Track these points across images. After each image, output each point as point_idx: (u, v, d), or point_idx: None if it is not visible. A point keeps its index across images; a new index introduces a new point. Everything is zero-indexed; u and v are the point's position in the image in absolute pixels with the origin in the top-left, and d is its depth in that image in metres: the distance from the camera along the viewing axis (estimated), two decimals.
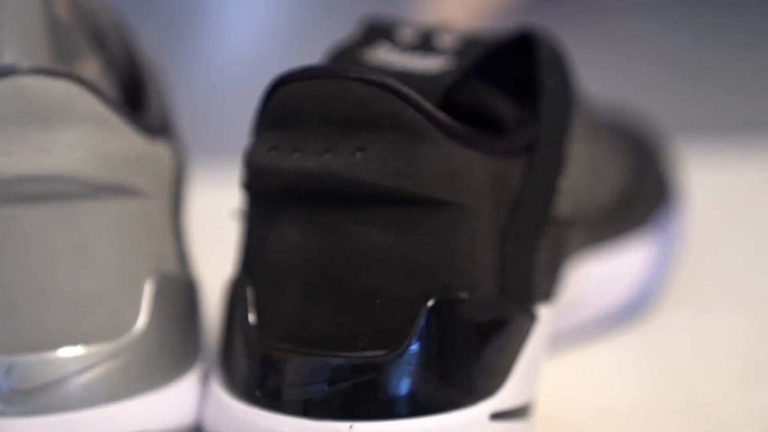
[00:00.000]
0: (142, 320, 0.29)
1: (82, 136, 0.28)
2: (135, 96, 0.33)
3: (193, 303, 0.31)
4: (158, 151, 0.31)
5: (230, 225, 0.34)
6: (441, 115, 0.27)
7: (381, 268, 0.27)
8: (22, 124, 0.27)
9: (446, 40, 0.32)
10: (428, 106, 0.27)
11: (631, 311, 0.39)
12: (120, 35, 0.34)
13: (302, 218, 0.27)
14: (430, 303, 0.27)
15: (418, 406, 0.27)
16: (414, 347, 0.27)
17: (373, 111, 0.27)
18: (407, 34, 0.33)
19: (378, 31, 0.33)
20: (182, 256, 0.31)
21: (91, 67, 0.33)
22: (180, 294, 0.30)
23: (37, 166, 0.27)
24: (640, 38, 0.90)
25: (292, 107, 0.27)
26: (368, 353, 0.27)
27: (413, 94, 0.27)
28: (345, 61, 0.32)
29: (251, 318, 0.28)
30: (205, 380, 0.30)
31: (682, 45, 0.86)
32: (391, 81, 0.27)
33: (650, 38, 0.90)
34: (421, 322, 0.27)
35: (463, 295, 0.27)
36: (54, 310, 0.28)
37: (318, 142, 0.27)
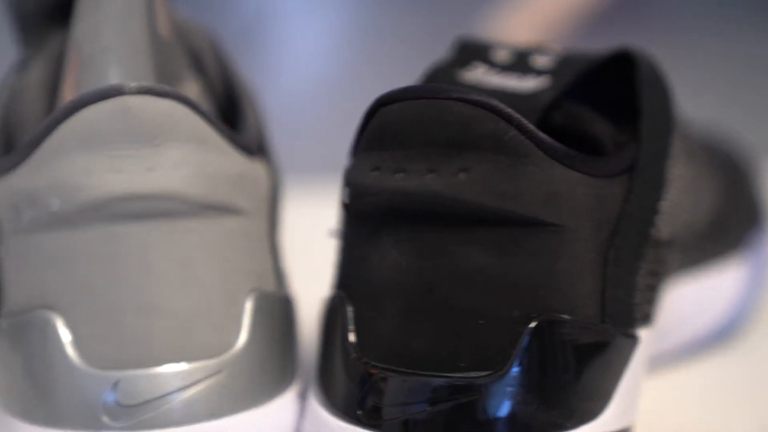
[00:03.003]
0: (243, 337, 0.29)
1: (187, 154, 0.28)
2: (229, 118, 0.34)
3: (290, 320, 0.31)
4: (256, 169, 0.31)
5: (309, 241, 0.34)
6: (543, 135, 0.27)
7: (483, 289, 0.27)
8: (130, 143, 0.28)
9: (542, 61, 0.32)
10: (531, 126, 0.27)
11: (724, 334, 0.38)
12: (217, 57, 0.35)
13: (404, 238, 0.27)
14: (533, 324, 0.27)
15: (520, 428, 0.27)
16: (516, 369, 0.27)
17: (476, 131, 0.27)
18: (502, 55, 0.33)
19: (473, 52, 0.33)
20: (279, 274, 0.32)
21: (191, 88, 0.33)
22: (278, 311, 0.31)
23: (144, 185, 0.28)
24: (721, 54, 0.89)
25: (394, 128, 0.27)
26: (470, 374, 0.27)
27: (516, 115, 0.27)
28: (442, 82, 0.32)
29: (351, 337, 0.28)
30: (302, 397, 0.30)
31: (765, 62, 0.85)
32: (494, 101, 0.27)
33: (733, 54, 0.88)
34: (524, 343, 0.27)
35: (565, 316, 0.27)
36: (158, 326, 0.28)
37: (420, 163, 0.27)
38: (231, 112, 0.34)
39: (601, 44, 0.34)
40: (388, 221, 0.28)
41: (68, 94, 0.30)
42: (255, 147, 0.32)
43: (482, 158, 0.27)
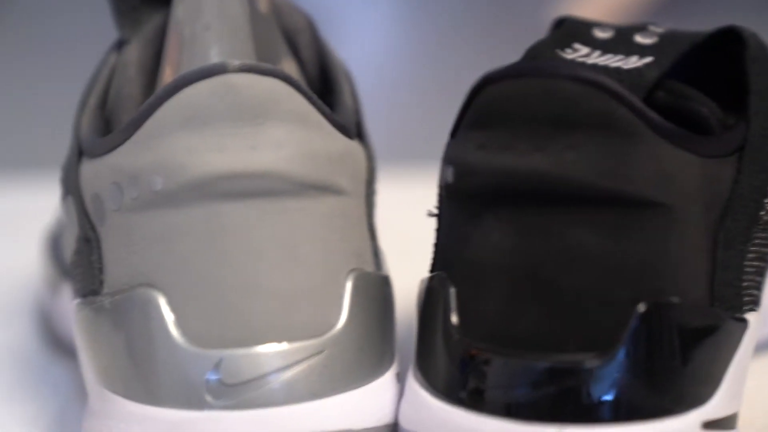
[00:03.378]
0: (343, 317, 0.29)
1: (289, 133, 0.28)
2: (323, 100, 0.34)
3: (389, 301, 0.31)
4: (355, 150, 0.31)
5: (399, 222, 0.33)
6: (653, 114, 0.27)
7: (591, 270, 0.26)
8: (233, 122, 0.28)
9: (644, 39, 0.32)
10: (640, 104, 0.27)
11: None
12: (313, 37, 0.34)
13: (509, 218, 0.27)
14: (642, 307, 0.26)
15: (628, 412, 0.26)
16: (624, 352, 0.26)
17: (584, 109, 0.26)
18: (603, 33, 0.32)
19: (573, 31, 0.32)
20: (377, 254, 0.32)
21: (288, 67, 0.33)
22: (377, 291, 0.30)
23: (247, 163, 0.28)
24: None
25: (500, 105, 0.27)
26: (576, 357, 0.26)
27: (625, 93, 0.26)
28: (538, 61, 0.31)
29: (453, 317, 0.28)
30: (401, 379, 0.30)
31: None
32: (603, 79, 0.26)
33: None
34: (632, 326, 0.26)
35: (674, 299, 0.27)
36: (261, 306, 0.28)
37: (528, 141, 0.27)
38: (325, 94, 0.34)
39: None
40: (492, 200, 0.27)
41: (169, 73, 0.30)
42: (353, 128, 0.31)
43: (591, 137, 0.26)
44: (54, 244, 0.39)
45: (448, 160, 0.29)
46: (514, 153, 0.27)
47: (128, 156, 0.28)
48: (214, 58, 0.29)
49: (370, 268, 0.30)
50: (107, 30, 0.34)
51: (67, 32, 0.88)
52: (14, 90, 0.76)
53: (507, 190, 0.27)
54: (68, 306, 0.35)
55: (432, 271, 0.30)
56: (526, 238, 0.27)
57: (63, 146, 0.33)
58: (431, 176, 0.31)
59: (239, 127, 0.28)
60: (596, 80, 0.26)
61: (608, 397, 0.26)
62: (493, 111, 0.27)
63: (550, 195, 0.26)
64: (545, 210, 0.27)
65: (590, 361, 0.26)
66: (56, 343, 0.39)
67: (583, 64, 0.30)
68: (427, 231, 0.31)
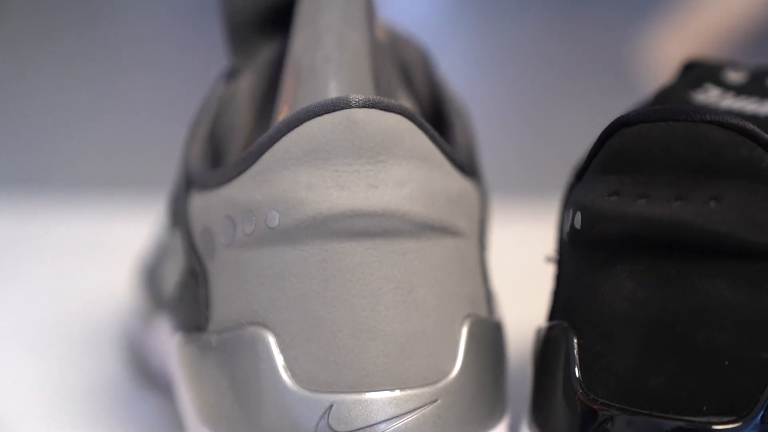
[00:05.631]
0: (458, 366, 0.28)
1: (411, 172, 0.27)
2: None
3: (502, 348, 0.30)
4: (470, 189, 0.30)
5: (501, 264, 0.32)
6: None
7: (731, 327, 0.25)
8: (354, 158, 0.27)
9: None
10: None
11: None
12: (426, 70, 0.33)
13: (643, 269, 0.26)
14: None
15: None
16: (762, 417, 0.25)
17: (730, 157, 0.25)
18: (736, 76, 0.31)
19: (704, 74, 0.31)
20: (489, 298, 0.30)
21: (403, 100, 0.32)
22: (491, 338, 0.29)
23: (367, 202, 0.27)
24: None
25: (637, 150, 0.26)
26: (710, 419, 0.25)
27: None
28: (673, 104, 0.30)
29: (576, 371, 0.27)
30: (512, 429, 0.29)
31: None
32: (750, 126, 0.25)
33: None
34: None
35: None
36: (374, 350, 0.27)
37: (666, 189, 0.25)
38: (438, 129, 0.32)
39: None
40: (625, 250, 0.26)
41: (285, 105, 0.29)
42: (465, 165, 0.30)
43: (735, 186, 0.25)
44: (148, 273, 0.38)
45: (575, 205, 0.27)
46: (652, 201, 0.25)
47: (244, 189, 0.27)
48: (334, 91, 0.28)
49: (483, 312, 0.29)
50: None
51: (174, 60, 0.87)
52: (102, 113, 0.76)
53: (642, 239, 0.25)
54: (163, 339, 0.34)
55: (550, 319, 0.29)
56: (662, 291, 0.25)
57: (152, 172, 0.32)
58: (542, 214, 0.29)
59: (360, 164, 0.27)
60: (743, 127, 0.25)
61: None
62: (629, 155, 0.26)
63: (689, 246, 0.25)
64: (683, 261, 0.25)
65: (724, 425, 0.25)
66: (145, 375, 0.38)
67: (719, 110, 0.29)
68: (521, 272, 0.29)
